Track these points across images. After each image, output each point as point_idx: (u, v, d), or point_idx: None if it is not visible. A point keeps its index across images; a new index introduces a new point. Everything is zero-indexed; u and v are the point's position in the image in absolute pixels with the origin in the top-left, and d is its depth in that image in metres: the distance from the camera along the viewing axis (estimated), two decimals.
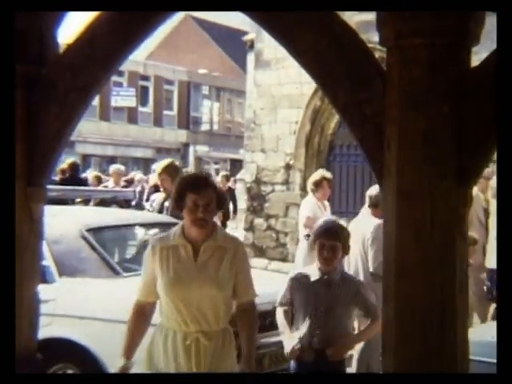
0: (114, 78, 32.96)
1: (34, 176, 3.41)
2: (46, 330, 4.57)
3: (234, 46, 37.27)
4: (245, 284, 3.90)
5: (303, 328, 4.40)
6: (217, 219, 10.37)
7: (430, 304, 2.51)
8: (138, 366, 3.84)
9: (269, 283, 5.37)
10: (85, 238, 5.94)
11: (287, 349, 4.43)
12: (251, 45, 14.35)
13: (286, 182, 12.91)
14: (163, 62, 39.97)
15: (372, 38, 2.94)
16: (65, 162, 12.56)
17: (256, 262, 12.34)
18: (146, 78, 38.11)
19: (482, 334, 4.65)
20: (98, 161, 34.64)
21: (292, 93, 12.61)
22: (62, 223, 6.09)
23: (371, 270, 6.35)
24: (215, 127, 42.86)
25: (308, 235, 6.97)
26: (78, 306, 5.51)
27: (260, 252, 13.11)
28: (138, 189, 12.91)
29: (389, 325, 2.60)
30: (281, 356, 4.86)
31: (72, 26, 3.99)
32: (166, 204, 7.56)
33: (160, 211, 8.10)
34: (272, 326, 4.92)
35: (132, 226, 7.00)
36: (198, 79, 41.18)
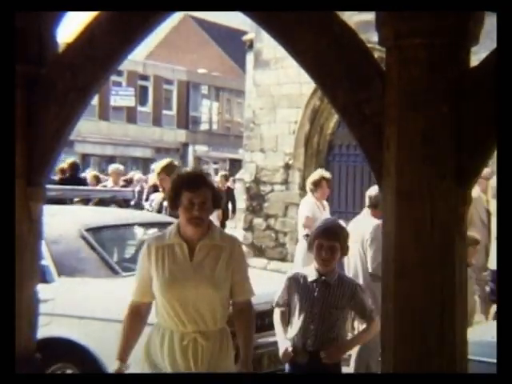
0: (113, 78, 32.96)
1: (34, 176, 3.41)
2: (45, 329, 4.58)
3: (234, 45, 37.26)
4: (242, 283, 3.87)
5: (297, 329, 4.36)
6: (216, 219, 10.41)
7: (430, 304, 2.51)
8: (137, 366, 3.83)
9: (268, 283, 5.38)
10: (84, 238, 5.94)
11: (281, 351, 4.40)
12: (250, 45, 14.36)
13: (285, 182, 12.91)
14: (162, 61, 39.96)
15: (371, 37, 2.94)
16: (65, 161, 12.57)
17: (255, 262, 12.35)
18: (145, 77, 38.10)
19: (482, 333, 4.65)
20: (97, 160, 34.63)
21: (291, 93, 12.61)
22: (61, 223, 6.09)
23: (370, 270, 6.35)
24: (214, 127, 42.85)
25: (307, 235, 6.96)
26: (77, 306, 5.51)
27: (259, 252, 13.11)
28: (137, 188, 12.91)
29: (388, 325, 2.60)
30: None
31: (71, 26, 4.00)
32: (165, 204, 7.55)
33: (159, 211, 8.10)
34: (271, 326, 4.90)
35: (131, 225, 7.00)
36: (197, 79, 41.17)
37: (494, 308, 8.39)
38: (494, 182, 8.27)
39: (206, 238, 3.80)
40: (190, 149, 40.15)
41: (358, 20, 7.62)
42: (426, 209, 2.50)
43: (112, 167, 13.93)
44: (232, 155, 39.70)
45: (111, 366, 3.90)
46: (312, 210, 8.67)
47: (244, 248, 9.42)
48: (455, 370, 2.51)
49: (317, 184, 8.80)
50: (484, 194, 8.96)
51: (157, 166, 8.99)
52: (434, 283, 2.50)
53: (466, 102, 2.50)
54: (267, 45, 12.36)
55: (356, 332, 4.82)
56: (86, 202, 9.95)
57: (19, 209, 3.29)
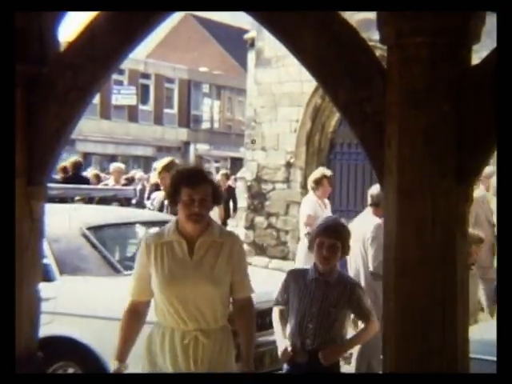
0: (115, 77, 32.96)
1: (35, 175, 3.42)
2: (47, 328, 4.58)
3: (235, 44, 37.23)
4: (242, 280, 3.84)
5: (296, 328, 4.32)
6: (218, 218, 10.41)
7: (431, 302, 2.51)
8: (137, 365, 3.82)
9: (269, 281, 5.37)
10: (85, 236, 5.95)
11: (280, 350, 4.36)
12: (252, 43, 14.33)
13: (287, 180, 12.91)
14: (164, 60, 39.96)
15: (373, 36, 2.94)
16: (68, 160, 12.57)
17: (256, 261, 12.35)
18: (146, 76, 38.10)
19: (484, 332, 4.65)
20: (98, 159, 34.64)
21: (292, 91, 12.60)
22: (63, 221, 6.09)
23: (371, 269, 6.33)
24: (216, 125, 42.85)
25: (309, 233, 6.96)
26: (78, 304, 5.52)
27: (261, 250, 13.11)
28: (139, 187, 12.93)
29: (389, 323, 2.61)
30: None
31: (72, 25, 4.00)
32: (167, 202, 7.55)
33: (160, 209, 8.11)
34: (272, 325, 4.90)
35: (132, 224, 7.01)
36: (199, 77, 41.17)
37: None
38: (494, 180, 8.27)
39: (205, 234, 3.76)
40: (192, 147, 40.16)
41: (360, 18, 7.60)
42: (427, 207, 2.50)
43: (113, 166, 13.94)
44: (233, 154, 39.70)
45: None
46: (313, 208, 8.67)
47: (245, 246, 9.44)
48: (456, 368, 2.52)
49: (318, 182, 8.80)
50: (488, 192, 8.96)
51: (158, 165, 9.00)
52: (435, 281, 2.50)
53: (467, 100, 2.50)
54: (268, 43, 12.35)
55: (353, 334, 4.76)
56: (88, 200, 9.96)
57: (20, 208, 3.29)
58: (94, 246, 5.92)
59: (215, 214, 8.76)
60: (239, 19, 29.44)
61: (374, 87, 2.64)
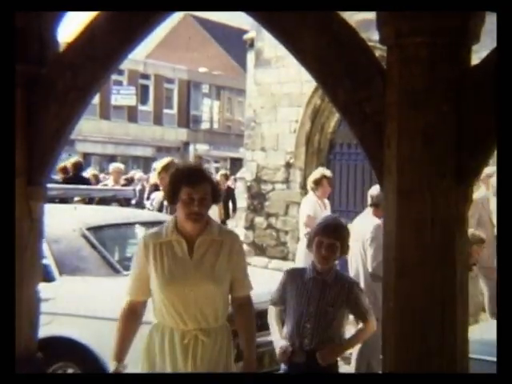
0: (114, 77, 32.98)
1: (34, 175, 3.41)
2: (47, 328, 4.57)
3: (235, 44, 37.27)
4: (241, 278, 3.84)
5: (294, 328, 4.29)
6: (217, 218, 10.41)
7: (430, 303, 2.51)
8: (136, 366, 3.81)
9: (269, 282, 5.36)
10: (85, 237, 5.95)
11: (278, 350, 4.33)
12: (251, 43, 14.34)
13: (287, 181, 12.91)
14: (163, 60, 39.97)
15: (372, 36, 2.94)
16: (68, 160, 12.57)
17: (256, 261, 12.35)
18: (146, 76, 38.10)
19: (484, 332, 4.65)
20: (98, 159, 34.65)
21: (292, 91, 12.61)
22: (62, 222, 6.09)
23: (370, 270, 6.32)
24: (215, 126, 42.86)
25: (309, 233, 6.96)
26: (78, 305, 5.51)
27: (260, 250, 13.11)
28: (139, 187, 12.95)
29: (389, 324, 2.61)
30: None
31: (72, 26, 4.00)
32: (166, 203, 7.55)
33: (160, 210, 8.11)
34: None
35: (132, 224, 7.01)
36: (198, 78, 41.18)
37: None
38: (493, 180, 8.26)
39: (204, 233, 3.75)
40: (191, 148, 40.16)
41: (359, 19, 7.60)
42: (427, 207, 2.50)
43: (113, 166, 13.94)
44: (233, 154, 39.73)
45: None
46: (313, 208, 8.67)
47: (245, 247, 9.42)
48: (456, 369, 2.52)
49: (318, 182, 8.80)
50: (488, 191, 8.95)
51: (158, 165, 9.00)
52: (434, 282, 2.50)
53: (467, 100, 2.50)
54: (268, 44, 12.35)
55: (351, 334, 4.73)
56: (88, 201, 9.96)
57: (20, 208, 3.29)
58: (93, 246, 5.91)
59: (214, 212, 8.75)
60: (239, 19, 29.45)
61: (374, 87, 2.64)
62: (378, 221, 6.22)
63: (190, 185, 3.67)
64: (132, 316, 3.82)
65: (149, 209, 9.14)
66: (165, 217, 7.03)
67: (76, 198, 9.92)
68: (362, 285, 5.87)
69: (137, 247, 3.92)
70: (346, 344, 4.52)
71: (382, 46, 2.62)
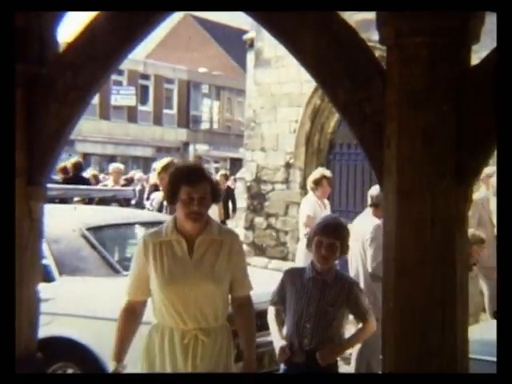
0: (114, 77, 32.97)
1: (34, 175, 3.41)
2: (46, 328, 4.58)
3: (234, 44, 37.27)
4: (241, 278, 3.83)
5: (294, 328, 4.28)
6: (217, 218, 10.40)
7: (430, 303, 2.51)
8: (136, 366, 3.81)
9: (268, 282, 5.36)
10: (85, 237, 5.95)
11: (277, 350, 4.32)
12: (251, 43, 14.34)
13: (286, 181, 12.91)
14: (163, 60, 39.97)
15: (372, 36, 2.94)
16: (68, 160, 12.58)
17: (256, 261, 12.35)
18: (145, 76, 38.11)
19: (484, 332, 4.65)
20: (97, 160, 34.65)
21: (292, 91, 12.61)
22: (62, 222, 6.10)
23: (369, 270, 6.32)
24: (215, 126, 42.86)
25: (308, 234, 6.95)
26: (78, 305, 5.51)
27: (260, 251, 13.11)
28: (139, 188, 12.95)
29: (389, 324, 2.61)
30: None
31: (72, 25, 4.00)
32: (166, 203, 7.55)
33: (159, 210, 8.12)
34: None
35: (132, 224, 7.01)
36: (198, 78, 41.18)
37: None
38: (493, 180, 8.26)
39: (204, 232, 3.74)
40: (191, 148, 40.16)
41: (359, 19, 7.60)
42: (427, 207, 2.50)
43: (112, 166, 13.94)
44: (233, 154, 39.73)
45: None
46: (313, 208, 8.67)
47: (245, 247, 9.41)
48: (456, 369, 2.51)
49: (318, 183, 8.80)
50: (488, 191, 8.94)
51: (157, 166, 9.00)
52: (434, 281, 2.50)
53: (467, 100, 2.50)
54: (268, 44, 12.35)
55: (351, 333, 4.72)
56: (88, 201, 9.96)
57: (19, 208, 3.29)
58: (93, 246, 5.91)
59: (214, 212, 8.74)
60: (239, 19, 29.46)
61: (374, 87, 2.64)
62: (377, 221, 6.22)
63: (190, 184, 3.66)
64: (131, 316, 3.81)
65: (148, 209, 9.14)
66: (164, 217, 7.02)
67: (76, 199, 9.92)
68: (362, 285, 5.87)
69: (136, 247, 3.91)
70: (345, 344, 4.51)
71: (382, 46, 2.62)
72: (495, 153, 2.50)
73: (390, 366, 2.60)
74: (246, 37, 15.27)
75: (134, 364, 3.78)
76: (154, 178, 10.71)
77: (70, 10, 3.34)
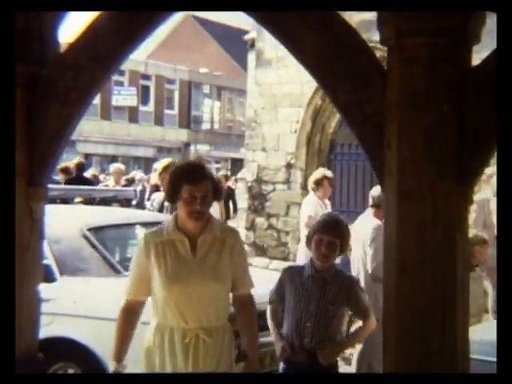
0: (115, 77, 32.97)
1: (35, 175, 3.41)
2: (47, 329, 4.57)
3: (235, 45, 37.22)
4: (243, 276, 3.82)
5: (294, 327, 4.27)
6: (218, 214, 10.40)
7: (431, 303, 2.51)
8: (136, 366, 3.81)
9: (269, 282, 5.36)
10: (86, 237, 5.95)
11: (278, 350, 4.31)
12: (252, 44, 14.34)
13: (287, 181, 12.90)
14: (164, 61, 39.96)
15: (373, 37, 2.94)
16: (71, 161, 12.61)
17: (257, 261, 12.35)
18: (147, 77, 38.11)
19: (484, 332, 4.64)
20: (98, 160, 34.65)
21: (293, 92, 12.60)
22: (63, 222, 6.09)
23: (369, 270, 6.31)
24: (216, 126, 42.85)
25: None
26: (78, 305, 5.51)
27: (261, 251, 13.11)
28: (140, 188, 12.95)
29: (389, 324, 2.60)
30: None
31: (73, 26, 4.00)
32: (166, 203, 7.56)
33: (160, 210, 8.12)
34: None
35: (133, 225, 7.01)
36: (199, 78, 41.18)
37: None
38: (493, 180, 8.26)
39: (206, 231, 3.72)
40: (192, 148, 40.15)
41: (360, 19, 7.61)
42: (427, 208, 2.50)
43: (113, 167, 13.96)
44: (234, 154, 39.72)
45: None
46: (314, 209, 8.67)
47: (246, 247, 9.41)
48: (456, 369, 2.51)
49: (319, 183, 8.80)
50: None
51: (158, 166, 9.01)
52: (435, 282, 2.50)
53: (467, 101, 2.49)
54: (269, 44, 12.35)
55: (351, 332, 4.70)
56: (89, 201, 9.97)
57: (20, 208, 3.29)
58: (94, 246, 5.92)
59: (215, 210, 8.75)
60: (239, 20, 29.44)
61: (374, 88, 2.64)
62: (378, 221, 6.21)
63: (191, 183, 3.63)
64: (131, 316, 3.80)
65: (149, 209, 9.15)
66: (165, 217, 7.03)
67: (77, 199, 9.93)
68: (363, 286, 5.86)
69: (137, 247, 3.90)
70: (346, 343, 4.51)
71: (383, 46, 2.62)
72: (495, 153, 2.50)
73: (391, 366, 2.60)
74: (246, 37, 15.28)
75: (134, 364, 3.78)
76: (154, 178, 10.71)
77: (71, 10, 3.34)
